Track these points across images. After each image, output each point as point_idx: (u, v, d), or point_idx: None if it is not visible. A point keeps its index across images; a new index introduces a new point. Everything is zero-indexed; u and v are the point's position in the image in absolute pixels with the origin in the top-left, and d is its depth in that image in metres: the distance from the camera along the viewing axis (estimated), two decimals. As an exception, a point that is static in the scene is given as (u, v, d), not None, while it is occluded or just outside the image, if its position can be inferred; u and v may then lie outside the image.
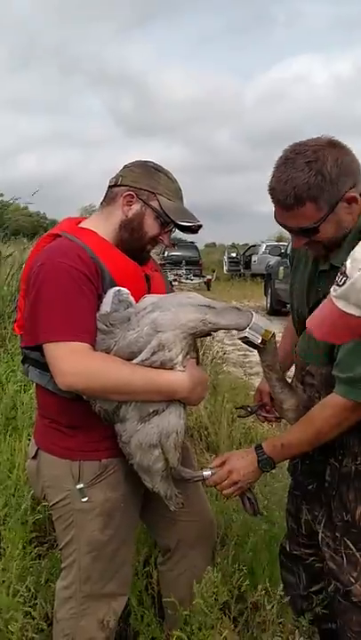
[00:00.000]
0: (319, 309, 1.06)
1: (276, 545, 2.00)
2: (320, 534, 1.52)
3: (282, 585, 1.71)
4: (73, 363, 1.31)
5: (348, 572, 1.45)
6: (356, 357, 1.29)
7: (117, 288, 1.39)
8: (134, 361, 1.34)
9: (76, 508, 1.44)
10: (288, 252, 9.21)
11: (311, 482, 1.60)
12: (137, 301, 1.41)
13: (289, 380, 1.57)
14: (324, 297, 1.45)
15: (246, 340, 1.38)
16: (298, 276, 1.59)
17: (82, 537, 1.45)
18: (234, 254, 23.82)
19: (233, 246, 27.69)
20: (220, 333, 5.68)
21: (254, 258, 21.53)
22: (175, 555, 1.63)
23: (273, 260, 12.55)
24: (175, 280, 15.57)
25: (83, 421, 1.43)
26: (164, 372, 1.35)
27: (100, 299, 1.38)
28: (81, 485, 1.43)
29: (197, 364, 1.46)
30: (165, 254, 16.88)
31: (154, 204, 1.46)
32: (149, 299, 1.41)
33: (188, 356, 1.39)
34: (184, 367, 1.37)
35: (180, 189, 1.52)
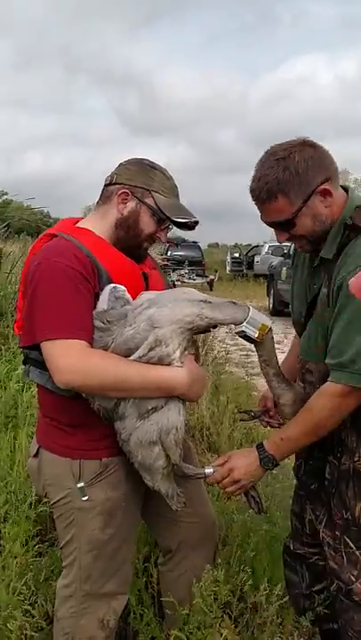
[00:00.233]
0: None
1: (276, 545, 2.00)
2: (321, 533, 1.53)
3: (282, 585, 1.70)
4: (70, 360, 1.30)
5: (349, 571, 1.45)
6: (345, 343, 1.32)
7: (113, 285, 1.38)
8: (132, 357, 1.34)
9: (76, 506, 1.44)
10: (291, 252, 9.21)
11: (314, 482, 1.60)
12: (134, 299, 1.40)
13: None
14: (320, 291, 1.47)
15: (243, 335, 1.38)
16: (298, 276, 1.62)
17: (82, 536, 1.45)
18: (237, 254, 23.81)
19: (236, 246, 27.69)
20: (222, 333, 5.66)
21: (257, 258, 21.49)
22: (176, 555, 1.62)
23: (276, 260, 12.51)
24: (178, 280, 15.55)
25: (83, 420, 1.42)
26: (162, 369, 1.34)
27: (97, 298, 1.38)
28: (81, 484, 1.43)
29: (197, 360, 1.44)
30: (168, 254, 16.88)
31: (149, 201, 1.46)
32: (146, 295, 1.41)
33: (187, 352, 1.38)
34: (182, 363, 1.36)
35: (175, 186, 1.51)
